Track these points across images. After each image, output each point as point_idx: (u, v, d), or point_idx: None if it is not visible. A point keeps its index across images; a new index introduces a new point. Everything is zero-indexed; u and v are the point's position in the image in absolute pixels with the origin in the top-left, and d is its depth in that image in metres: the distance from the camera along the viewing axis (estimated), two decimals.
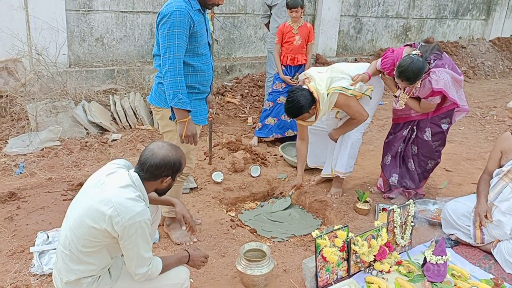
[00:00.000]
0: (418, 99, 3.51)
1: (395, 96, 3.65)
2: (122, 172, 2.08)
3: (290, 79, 4.83)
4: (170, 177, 2.14)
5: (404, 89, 3.49)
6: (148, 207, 2.09)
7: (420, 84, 3.37)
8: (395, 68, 3.33)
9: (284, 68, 4.86)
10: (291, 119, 4.77)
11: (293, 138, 4.93)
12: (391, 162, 3.83)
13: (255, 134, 5.05)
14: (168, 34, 2.58)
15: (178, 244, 3.09)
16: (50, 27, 5.13)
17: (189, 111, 2.70)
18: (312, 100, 3.37)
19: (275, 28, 5.18)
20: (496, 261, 3.09)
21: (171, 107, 2.70)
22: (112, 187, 1.99)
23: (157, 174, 2.09)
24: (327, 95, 3.41)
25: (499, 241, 3.09)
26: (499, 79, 9.47)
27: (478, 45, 10.27)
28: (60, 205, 3.48)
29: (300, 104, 3.33)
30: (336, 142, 3.84)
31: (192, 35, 2.68)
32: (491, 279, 2.88)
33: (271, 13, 5.34)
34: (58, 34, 5.25)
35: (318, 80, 3.44)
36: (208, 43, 2.87)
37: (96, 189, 2.02)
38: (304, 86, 3.48)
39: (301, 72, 4.79)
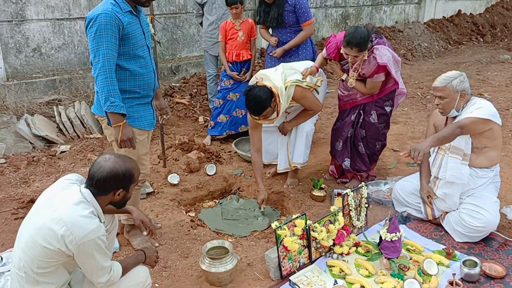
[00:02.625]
0: (363, 81, 3.65)
1: (342, 80, 3.77)
2: (74, 188, 2.04)
3: (237, 75, 4.86)
4: (122, 189, 2.10)
5: (352, 66, 3.60)
6: (103, 221, 2.06)
7: (365, 61, 3.50)
8: (343, 40, 3.43)
9: (230, 65, 4.87)
10: (243, 115, 4.85)
11: (246, 133, 4.96)
12: (342, 148, 3.95)
13: (208, 133, 5.05)
14: (95, 38, 2.53)
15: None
16: None
17: (123, 115, 2.65)
18: (271, 95, 3.40)
19: (207, 26, 5.24)
20: (446, 232, 3.28)
21: (105, 112, 2.66)
22: (64, 205, 1.94)
23: (107, 188, 2.05)
24: (285, 88, 3.47)
25: (447, 212, 3.28)
26: (436, 59, 9.92)
27: (414, 28, 10.72)
28: (12, 225, 3.35)
29: (262, 98, 3.35)
30: (285, 135, 3.92)
31: (124, 38, 2.63)
32: (443, 249, 3.06)
33: (203, 12, 5.33)
34: None
35: (273, 77, 3.48)
36: (147, 45, 2.84)
37: (48, 207, 1.97)
38: None
39: (247, 68, 4.87)
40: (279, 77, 3.49)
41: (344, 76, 3.70)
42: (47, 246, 1.90)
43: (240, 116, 4.90)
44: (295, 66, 3.75)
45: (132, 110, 2.76)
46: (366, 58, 3.50)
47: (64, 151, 4.66)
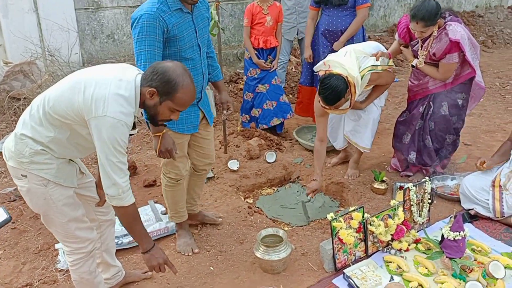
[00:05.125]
0: (435, 65, 3.45)
1: (413, 67, 3.59)
2: (133, 70, 2.02)
3: (264, 63, 4.58)
4: (157, 92, 1.95)
5: (422, 46, 3.42)
6: (136, 115, 2.00)
7: (436, 39, 3.31)
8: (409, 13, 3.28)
9: (256, 52, 4.59)
10: (274, 107, 4.65)
11: (278, 126, 4.84)
12: (410, 141, 3.78)
13: (243, 126, 4.85)
14: (138, 41, 2.36)
15: (179, 252, 2.99)
16: (61, 28, 5.21)
17: (164, 125, 2.42)
18: (347, 85, 3.22)
19: (285, 11, 4.87)
20: None
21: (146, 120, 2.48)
22: (112, 75, 1.93)
23: (149, 79, 1.95)
24: (362, 77, 3.32)
25: None
26: None
27: (496, 13, 9.97)
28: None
29: (339, 88, 3.16)
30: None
31: (170, 40, 2.44)
32: None
33: None
34: (69, 34, 5.32)
35: (348, 65, 3.28)
36: (199, 45, 2.60)
37: (103, 71, 1.98)
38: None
39: (274, 56, 4.64)
40: (354, 65, 3.29)
41: (414, 62, 3.51)
42: (75, 99, 1.88)
43: (272, 108, 4.68)
44: (362, 49, 3.52)
45: None
46: (437, 35, 3.29)
47: (132, 134, 4.87)
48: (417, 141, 3.75)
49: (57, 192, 2.04)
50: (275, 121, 4.73)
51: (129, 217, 2.04)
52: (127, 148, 2.02)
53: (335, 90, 3.16)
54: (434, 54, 3.37)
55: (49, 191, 2.02)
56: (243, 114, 4.86)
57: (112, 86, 1.88)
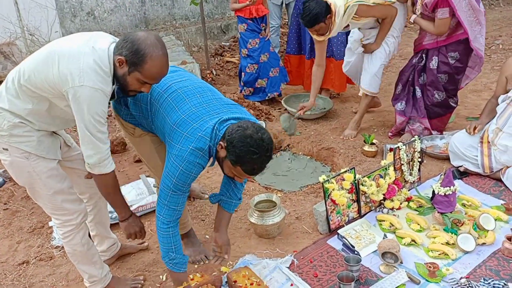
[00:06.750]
0: (433, 20, 3.48)
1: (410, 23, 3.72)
2: (108, 39, 1.95)
3: (259, 34, 4.53)
4: (126, 62, 1.86)
5: None
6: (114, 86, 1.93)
7: None
8: None
9: (251, 22, 4.49)
10: (279, 73, 4.69)
11: (287, 91, 4.85)
12: (401, 91, 3.87)
13: (250, 100, 4.76)
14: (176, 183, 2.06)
15: (192, 263, 2.64)
16: (39, 6, 5.07)
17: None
18: (327, 10, 3.37)
19: None
20: (506, 187, 3.12)
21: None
22: (88, 45, 1.86)
23: (120, 47, 1.87)
24: (347, 8, 3.37)
25: (508, 167, 3.10)
26: (504, 7, 9.16)
27: None
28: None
29: (314, 12, 3.36)
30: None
31: None
32: (502, 204, 2.91)
33: None
34: (47, 12, 5.19)
35: None
36: None
37: (78, 40, 1.91)
38: None
39: (266, 23, 4.60)
40: None
41: (412, 18, 3.61)
42: (49, 72, 1.84)
43: (277, 74, 4.70)
44: None
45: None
46: None
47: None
48: (407, 91, 3.82)
49: (40, 165, 2.01)
50: (282, 86, 4.79)
51: (109, 185, 2.04)
52: (107, 121, 1.98)
53: (311, 13, 3.38)
54: (426, 5, 3.42)
55: (31, 164, 1.99)
56: (246, 87, 4.76)
57: (87, 56, 1.82)
